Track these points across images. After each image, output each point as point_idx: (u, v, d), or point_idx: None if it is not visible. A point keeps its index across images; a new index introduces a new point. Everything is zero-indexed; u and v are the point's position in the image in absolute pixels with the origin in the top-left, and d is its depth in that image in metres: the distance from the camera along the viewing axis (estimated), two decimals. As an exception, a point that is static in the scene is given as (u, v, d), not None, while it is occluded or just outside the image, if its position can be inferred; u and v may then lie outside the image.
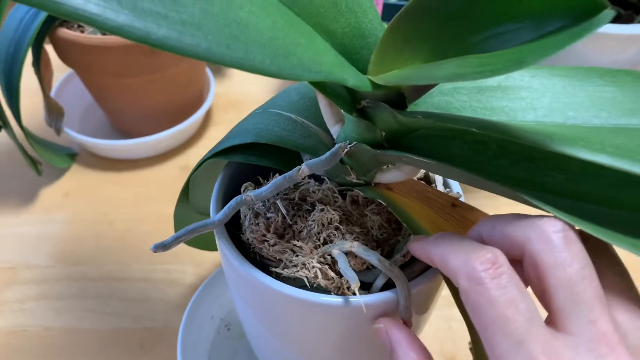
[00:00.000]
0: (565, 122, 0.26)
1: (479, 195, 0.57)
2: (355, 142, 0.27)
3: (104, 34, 0.57)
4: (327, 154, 0.27)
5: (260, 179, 0.34)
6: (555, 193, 0.25)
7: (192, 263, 0.56)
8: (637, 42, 0.57)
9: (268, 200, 0.32)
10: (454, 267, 0.22)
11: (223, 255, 0.31)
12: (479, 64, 0.20)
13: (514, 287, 0.21)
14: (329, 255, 0.29)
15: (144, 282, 0.54)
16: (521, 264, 0.22)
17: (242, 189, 0.33)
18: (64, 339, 0.49)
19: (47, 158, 0.62)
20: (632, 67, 0.62)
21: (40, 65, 0.59)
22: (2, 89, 0.56)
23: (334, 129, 0.30)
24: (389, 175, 0.30)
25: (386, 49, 0.25)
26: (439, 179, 0.35)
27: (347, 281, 0.28)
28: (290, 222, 0.31)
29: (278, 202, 0.31)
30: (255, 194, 0.29)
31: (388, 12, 0.63)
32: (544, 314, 0.22)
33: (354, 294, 0.27)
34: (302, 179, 0.31)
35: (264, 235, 0.30)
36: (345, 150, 0.27)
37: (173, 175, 0.66)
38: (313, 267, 0.28)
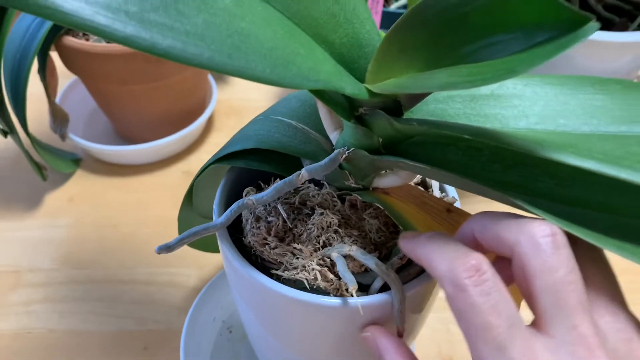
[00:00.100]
0: (556, 129, 0.27)
1: (475, 200, 0.57)
2: (353, 148, 0.28)
3: (108, 41, 0.58)
4: (326, 159, 0.28)
5: (262, 184, 0.35)
6: (547, 197, 0.26)
7: (195, 266, 0.56)
8: (631, 50, 0.58)
9: (269, 205, 0.33)
10: (440, 272, 0.23)
11: (225, 257, 0.32)
12: (470, 73, 0.21)
13: (496, 293, 0.22)
14: (328, 258, 0.30)
15: (148, 284, 0.55)
16: (510, 261, 0.23)
17: (243, 194, 0.33)
18: (68, 341, 0.50)
19: (52, 163, 0.63)
20: (627, 74, 0.62)
21: (46, 73, 0.61)
22: (9, 96, 0.57)
23: (333, 135, 0.30)
24: (386, 180, 0.30)
25: (383, 58, 0.26)
26: (435, 184, 0.36)
27: (346, 283, 0.29)
28: (290, 226, 0.31)
29: (279, 206, 0.32)
30: (257, 198, 0.30)
31: (387, 20, 0.64)
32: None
33: (352, 295, 0.28)
34: (302, 184, 0.32)
35: (265, 239, 0.31)
36: (344, 155, 0.28)
37: (176, 180, 0.67)
38: (313, 269, 0.29)
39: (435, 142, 0.28)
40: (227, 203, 0.34)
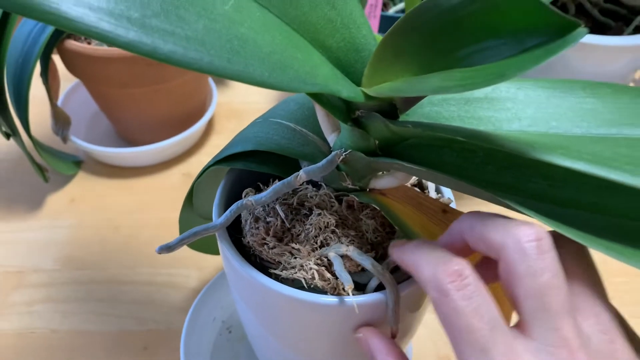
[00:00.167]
0: (548, 132, 0.28)
1: (472, 202, 0.58)
2: (350, 150, 0.28)
3: (109, 45, 0.59)
4: (324, 161, 0.29)
5: (261, 185, 0.35)
6: (539, 198, 0.27)
7: (195, 267, 0.57)
8: (627, 53, 0.59)
9: (268, 205, 0.33)
10: (424, 278, 0.24)
11: (224, 257, 0.32)
12: (462, 77, 0.22)
13: (479, 297, 0.22)
14: (326, 257, 0.30)
15: (148, 285, 0.55)
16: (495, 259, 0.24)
17: (243, 195, 0.34)
18: (70, 340, 0.51)
19: (54, 165, 0.64)
20: (623, 78, 0.63)
21: (48, 76, 0.61)
22: (12, 99, 0.58)
23: (331, 138, 0.31)
24: (383, 182, 0.31)
25: (378, 62, 0.26)
26: (431, 186, 0.36)
27: (343, 282, 0.29)
28: (288, 226, 0.32)
29: (277, 206, 0.32)
30: (256, 199, 0.30)
31: (385, 24, 0.65)
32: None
33: (349, 294, 0.29)
34: (300, 185, 0.32)
35: (264, 239, 0.32)
36: (341, 157, 0.28)
37: (176, 182, 0.68)
38: (310, 268, 0.30)
39: (431, 144, 0.29)
40: (226, 204, 0.35)
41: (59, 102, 0.72)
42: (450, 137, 0.26)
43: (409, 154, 0.29)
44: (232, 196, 0.36)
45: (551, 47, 0.21)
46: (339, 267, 0.29)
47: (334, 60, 0.28)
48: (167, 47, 0.20)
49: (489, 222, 0.24)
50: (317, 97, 0.28)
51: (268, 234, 0.32)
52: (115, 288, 0.55)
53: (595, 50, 0.59)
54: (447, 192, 0.36)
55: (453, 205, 0.34)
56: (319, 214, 0.31)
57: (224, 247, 0.32)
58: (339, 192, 0.33)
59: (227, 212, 0.31)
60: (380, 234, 0.32)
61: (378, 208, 0.30)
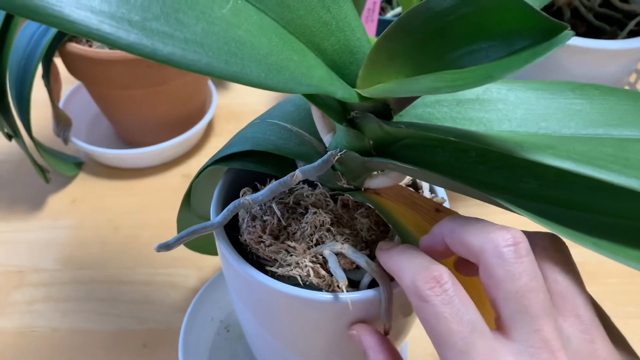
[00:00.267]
0: (537, 132, 0.28)
1: (470, 203, 0.59)
2: (345, 150, 0.29)
3: (111, 48, 0.60)
4: (319, 160, 0.29)
5: (258, 185, 0.36)
6: (529, 198, 0.27)
7: (193, 267, 0.58)
8: (622, 57, 0.59)
9: (264, 204, 0.34)
10: (405, 285, 0.25)
11: (222, 255, 0.33)
12: (452, 78, 0.23)
13: (457, 301, 0.23)
14: (321, 255, 0.31)
15: (148, 285, 0.56)
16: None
17: (240, 194, 0.35)
18: (70, 339, 0.51)
19: (55, 166, 0.64)
20: (618, 81, 0.64)
21: (50, 78, 0.62)
22: (14, 100, 0.59)
23: (326, 138, 0.32)
24: (377, 181, 0.32)
25: (373, 64, 0.27)
26: (425, 186, 0.37)
27: (337, 279, 0.30)
28: (285, 224, 0.33)
29: (274, 205, 0.33)
30: (253, 198, 0.31)
31: (383, 27, 0.65)
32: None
33: (343, 291, 0.29)
34: (297, 184, 0.33)
35: (260, 237, 0.33)
36: (336, 157, 0.29)
37: (176, 184, 0.69)
38: (306, 266, 0.30)
39: (424, 145, 0.29)
40: (224, 203, 0.36)
41: (61, 104, 0.72)
42: (443, 137, 0.27)
43: (403, 154, 0.30)
44: (230, 196, 0.36)
45: (538, 49, 0.22)
46: (333, 264, 0.30)
47: (329, 62, 0.29)
48: (167, 49, 0.21)
49: (468, 226, 0.25)
50: (313, 98, 0.28)
51: (265, 232, 0.33)
52: (115, 288, 0.56)
53: (591, 54, 0.59)
54: (441, 192, 0.37)
55: (446, 204, 0.35)
56: (315, 213, 0.32)
57: (222, 244, 0.32)
58: (334, 191, 0.33)
59: (225, 210, 0.32)
60: (374, 233, 0.33)
61: (372, 207, 0.31)
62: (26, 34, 0.58)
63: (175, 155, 0.71)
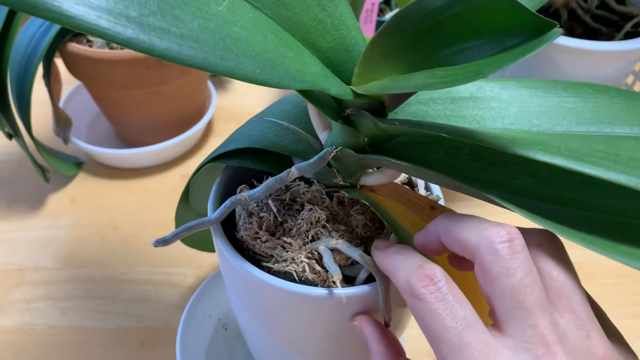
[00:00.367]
0: (530, 129, 0.29)
1: (470, 204, 0.59)
2: (341, 147, 0.29)
3: (111, 48, 0.60)
4: (315, 157, 0.30)
5: (255, 182, 0.36)
6: (523, 195, 0.28)
7: (191, 266, 0.58)
8: (618, 58, 0.60)
9: (261, 201, 0.34)
10: (400, 284, 0.25)
11: (219, 250, 0.33)
12: (444, 75, 0.23)
13: (451, 298, 0.23)
14: (316, 251, 0.31)
15: (146, 283, 0.56)
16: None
17: (237, 191, 0.35)
18: (69, 336, 0.52)
19: (55, 166, 0.65)
20: (615, 82, 0.64)
21: (50, 78, 0.62)
22: (14, 100, 0.59)
23: (322, 135, 0.32)
24: (373, 178, 0.32)
25: (367, 62, 0.27)
26: (421, 183, 0.37)
27: (332, 275, 0.30)
28: (281, 221, 0.33)
29: (270, 202, 0.33)
30: (249, 194, 0.31)
31: (382, 29, 0.66)
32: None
33: (337, 286, 0.29)
34: (293, 181, 0.33)
35: (257, 233, 0.33)
36: (332, 154, 0.29)
37: (175, 183, 0.69)
38: (301, 261, 0.31)
39: (419, 142, 0.30)
40: (221, 200, 0.36)
41: (61, 104, 0.73)
42: (437, 134, 0.27)
43: (398, 151, 0.30)
44: (227, 192, 0.37)
45: (528, 46, 0.22)
46: (328, 259, 0.30)
47: (324, 59, 0.29)
48: (163, 44, 0.21)
49: (463, 224, 0.25)
50: (309, 95, 0.29)
51: (261, 229, 0.33)
52: (114, 286, 0.56)
53: (588, 56, 0.60)
54: (436, 190, 0.37)
55: (442, 202, 0.35)
56: (311, 209, 0.32)
57: (218, 240, 0.33)
58: (330, 188, 0.34)
59: (222, 207, 0.32)
60: (369, 229, 0.33)
61: (368, 204, 0.31)
62: (27, 34, 0.58)
63: (174, 155, 0.72)
